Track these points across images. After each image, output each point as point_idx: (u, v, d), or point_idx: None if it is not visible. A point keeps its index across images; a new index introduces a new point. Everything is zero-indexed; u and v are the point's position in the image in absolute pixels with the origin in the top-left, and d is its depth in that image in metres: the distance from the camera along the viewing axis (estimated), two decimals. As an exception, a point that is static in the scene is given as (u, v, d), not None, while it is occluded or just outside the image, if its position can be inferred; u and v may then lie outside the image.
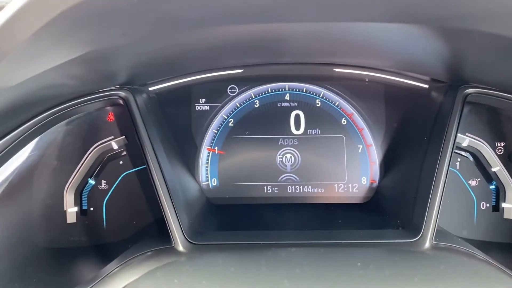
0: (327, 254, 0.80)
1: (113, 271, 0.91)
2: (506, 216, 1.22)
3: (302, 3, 0.71)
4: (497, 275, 0.78)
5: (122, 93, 1.09)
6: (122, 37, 0.75)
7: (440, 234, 1.02)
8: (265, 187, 1.31)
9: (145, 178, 1.19)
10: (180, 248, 0.94)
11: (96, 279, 0.91)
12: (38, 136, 1.05)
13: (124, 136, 1.22)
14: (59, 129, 1.17)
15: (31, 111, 0.98)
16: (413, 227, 0.99)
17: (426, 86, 1.25)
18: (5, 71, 0.68)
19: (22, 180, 1.12)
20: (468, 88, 1.11)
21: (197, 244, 0.95)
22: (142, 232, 1.18)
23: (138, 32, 0.77)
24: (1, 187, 1.07)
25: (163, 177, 1.02)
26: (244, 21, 0.81)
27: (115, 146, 1.22)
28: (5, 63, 0.64)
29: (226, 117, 1.32)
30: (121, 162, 1.24)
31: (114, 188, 1.23)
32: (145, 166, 1.12)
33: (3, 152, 0.94)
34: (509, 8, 0.67)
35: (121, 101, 1.10)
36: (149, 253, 0.98)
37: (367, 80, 1.29)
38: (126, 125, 1.20)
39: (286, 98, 1.33)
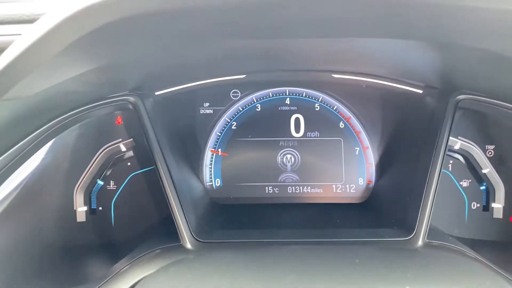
0: (326, 252, 0.86)
1: (124, 268, 0.96)
2: (495, 215, 1.27)
3: (307, 22, 0.76)
4: (485, 272, 0.83)
5: (131, 99, 1.14)
6: (141, 50, 0.81)
7: (433, 232, 1.07)
8: (267, 188, 1.37)
9: (152, 178, 1.24)
10: (188, 245, 0.99)
11: (107, 276, 0.97)
12: (52, 139, 1.10)
13: (132, 139, 1.27)
14: (70, 132, 1.22)
15: (46, 116, 1.03)
16: (407, 226, 1.05)
17: (420, 91, 1.30)
18: (31, 82, 0.73)
19: (35, 181, 1.16)
20: (460, 95, 1.15)
21: (204, 242, 1.00)
22: (150, 230, 1.23)
23: (156, 46, 0.83)
24: (18, 188, 1.12)
25: (171, 178, 1.08)
26: (253, 36, 0.86)
27: (123, 148, 1.27)
28: (33, 75, 0.69)
29: (229, 120, 1.38)
30: (128, 164, 1.29)
31: (122, 188, 1.28)
32: (152, 167, 1.18)
33: (20, 155, 0.99)
34: (496, 28, 0.72)
35: (130, 106, 1.15)
36: (157, 250, 1.03)
37: (364, 86, 1.34)
38: (134, 128, 1.25)
39: (286, 102, 1.39)
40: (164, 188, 1.06)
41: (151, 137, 1.11)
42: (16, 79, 0.69)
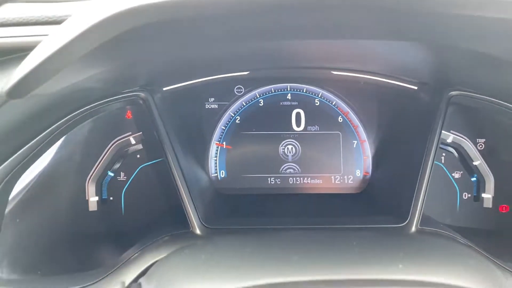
0: (326, 236, 0.93)
1: (136, 254, 1.02)
2: (485, 205, 1.34)
3: (314, 26, 0.83)
4: (476, 256, 0.90)
5: (142, 94, 1.21)
6: (157, 49, 0.87)
7: (426, 220, 1.14)
8: (269, 179, 1.44)
9: (161, 169, 1.31)
10: (197, 231, 1.06)
11: (119, 262, 1.03)
12: (67, 133, 1.16)
13: (141, 132, 1.33)
14: (83, 126, 1.28)
15: (64, 111, 1.09)
16: (401, 213, 1.12)
17: (415, 88, 1.35)
18: (57, 80, 0.79)
19: (50, 172, 1.23)
20: (453, 91, 1.21)
21: (212, 228, 1.07)
22: (159, 219, 1.29)
23: (171, 46, 0.89)
24: (35, 178, 1.19)
25: (180, 168, 1.14)
26: (263, 39, 0.93)
27: (132, 141, 1.33)
28: (61, 73, 0.75)
29: (233, 115, 1.44)
30: (138, 156, 1.35)
31: (132, 179, 1.35)
32: (161, 159, 1.25)
33: (40, 146, 1.05)
34: (488, 33, 0.79)
35: (140, 101, 1.21)
36: (167, 237, 1.09)
37: (362, 82, 1.40)
38: (144, 122, 1.31)
39: (288, 97, 1.45)
40: (173, 178, 1.13)
41: (161, 130, 1.17)
42: (47, 77, 0.75)
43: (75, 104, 1.11)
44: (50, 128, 1.07)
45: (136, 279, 0.86)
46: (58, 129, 1.10)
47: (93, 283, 0.89)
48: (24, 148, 0.99)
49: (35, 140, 1.02)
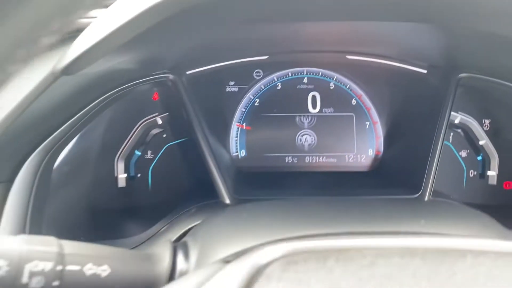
0: (347, 203, 1.01)
1: (169, 224, 1.11)
2: (490, 182, 1.41)
3: (335, 7, 0.91)
4: (490, 219, 0.96)
5: (170, 76, 1.28)
6: (191, 33, 0.95)
7: (437, 194, 1.23)
8: (286, 157, 1.52)
9: (187, 147, 1.39)
10: (227, 201, 1.15)
11: (151, 234, 1.11)
12: (100, 114, 1.24)
13: (168, 113, 1.41)
14: (112, 107, 1.36)
15: (100, 91, 1.17)
16: (414, 186, 1.20)
17: (425, 71, 1.42)
18: (101, 61, 0.87)
19: (83, 151, 1.31)
20: (462, 73, 1.27)
21: (239, 198, 1.16)
22: (185, 193, 1.37)
23: (201, 30, 0.97)
24: (69, 157, 1.26)
25: (209, 145, 1.23)
26: (283, 20, 1.01)
27: (159, 122, 1.41)
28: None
29: (252, 97, 1.52)
30: (164, 135, 1.43)
31: (158, 157, 1.43)
32: (186, 138, 1.33)
33: (78, 124, 1.13)
34: (500, 12, 0.86)
35: (169, 83, 1.29)
36: (194, 209, 1.18)
37: (374, 66, 1.48)
38: (170, 103, 1.39)
39: (304, 81, 1.53)
40: (202, 153, 1.21)
41: (190, 110, 1.25)
42: (98, 57, 0.83)
43: (110, 84, 1.18)
44: (89, 106, 1.15)
45: (177, 241, 0.93)
46: (95, 108, 1.18)
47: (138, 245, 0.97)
48: (68, 123, 1.07)
49: (76, 116, 1.10)
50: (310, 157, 1.52)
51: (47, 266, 0.64)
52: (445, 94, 1.29)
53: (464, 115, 1.41)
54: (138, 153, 1.42)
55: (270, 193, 1.25)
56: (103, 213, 1.33)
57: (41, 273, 0.63)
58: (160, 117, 1.40)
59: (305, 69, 1.52)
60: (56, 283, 0.63)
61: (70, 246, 0.68)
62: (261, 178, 1.45)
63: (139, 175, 1.42)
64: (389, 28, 1.19)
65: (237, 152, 1.52)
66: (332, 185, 1.41)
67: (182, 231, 1.04)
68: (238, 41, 1.33)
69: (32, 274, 0.62)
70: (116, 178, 1.40)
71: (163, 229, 1.14)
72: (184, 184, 1.40)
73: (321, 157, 1.52)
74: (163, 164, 1.43)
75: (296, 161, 1.52)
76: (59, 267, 0.64)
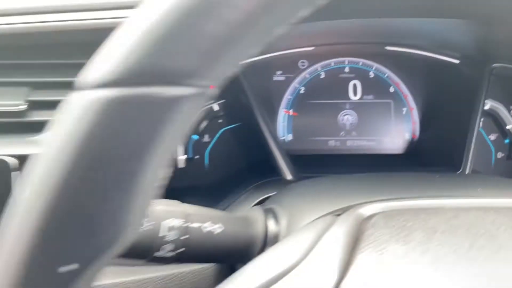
0: (404, 177, 1.12)
1: (245, 194, 1.22)
2: None
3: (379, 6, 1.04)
4: None
5: (230, 66, 1.40)
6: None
7: (474, 172, 1.36)
8: (329, 141, 1.65)
9: (241, 132, 1.51)
10: (290, 177, 1.27)
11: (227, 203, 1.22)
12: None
13: (224, 100, 1.53)
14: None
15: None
16: (454, 164, 1.33)
17: (457, 61, 1.53)
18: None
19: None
20: (494, 63, 1.39)
21: (299, 175, 1.29)
22: (243, 173, 1.49)
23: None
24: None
25: (267, 127, 1.35)
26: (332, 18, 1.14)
27: (215, 108, 1.53)
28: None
29: (298, 86, 1.64)
30: (220, 121, 1.55)
31: (215, 141, 1.56)
32: (240, 123, 1.46)
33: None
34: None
35: (229, 72, 1.41)
36: (259, 185, 1.29)
37: (411, 56, 1.59)
38: (225, 91, 1.51)
39: (345, 70, 1.65)
40: (262, 134, 1.33)
41: (250, 97, 1.38)
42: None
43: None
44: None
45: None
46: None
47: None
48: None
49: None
50: (352, 141, 1.65)
51: (179, 222, 0.77)
52: (478, 84, 1.41)
53: (493, 101, 1.53)
54: (195, 137, 1.54)
55: (317, 172, 1.36)
56: (164, 194, 1.44)
57: (174, 228, 0.76)
58: (216, 104, 1.53)
59: (346, 59, 1.64)
60: (185, 236, 0.76)
61: (190, 208, 0.81)
62: (307, 160, 1.57)
63: (197, 156, 1.55)
64: (425, 22, 1.32)
65: (284, 136, 1.65)
66: (372, 165, 1.54)
67: (254, 203, 1.16)
68: (288, 34, 1.45)
69: (170, 229, 0.75)
70: (176, 160, 1.52)
71: (232, 204, 1.25)
72: (241, 164, 1.52)
73: (361, 141, 1.65)
74: (219, 147, 1.54)
75: (338, 145, 1.65)
76: (187, 224, 0.77)
